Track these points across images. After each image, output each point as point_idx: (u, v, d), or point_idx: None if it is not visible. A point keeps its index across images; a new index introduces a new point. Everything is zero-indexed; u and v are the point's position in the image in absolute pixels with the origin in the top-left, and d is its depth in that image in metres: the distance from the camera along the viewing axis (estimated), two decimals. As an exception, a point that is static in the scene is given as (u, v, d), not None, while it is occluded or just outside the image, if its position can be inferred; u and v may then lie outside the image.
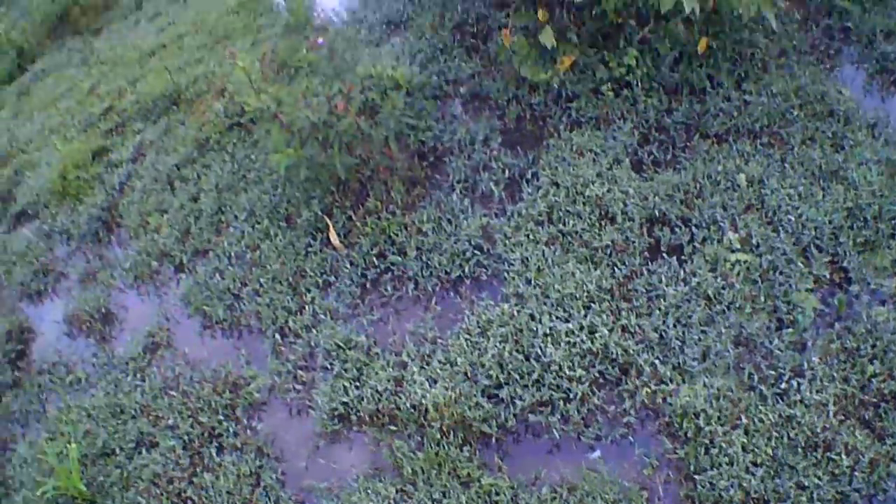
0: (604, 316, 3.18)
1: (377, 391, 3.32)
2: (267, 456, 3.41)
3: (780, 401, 2.91)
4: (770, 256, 3.24)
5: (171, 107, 5.79)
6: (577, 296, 3.25)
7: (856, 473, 2.64)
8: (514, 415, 3.10)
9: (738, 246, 3.27)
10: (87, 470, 3.65)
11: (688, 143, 3.78)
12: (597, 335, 3.12)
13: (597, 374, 3.08)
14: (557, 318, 3.24)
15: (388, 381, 3.33)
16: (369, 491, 3.07)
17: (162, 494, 3.43)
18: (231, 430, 3.54)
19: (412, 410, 3.21)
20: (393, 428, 3.26)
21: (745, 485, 2.69)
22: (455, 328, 3.44)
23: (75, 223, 5.24)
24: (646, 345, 3.09)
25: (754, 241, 3.29)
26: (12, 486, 3.81)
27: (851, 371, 2.94)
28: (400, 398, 3.26)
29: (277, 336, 3.78)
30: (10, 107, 7.77)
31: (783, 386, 2.93)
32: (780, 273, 3.21)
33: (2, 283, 5.20)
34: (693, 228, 3.38)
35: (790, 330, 3.06)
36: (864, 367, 2.92)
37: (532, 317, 3.28)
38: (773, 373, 2.97)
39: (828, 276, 3.20)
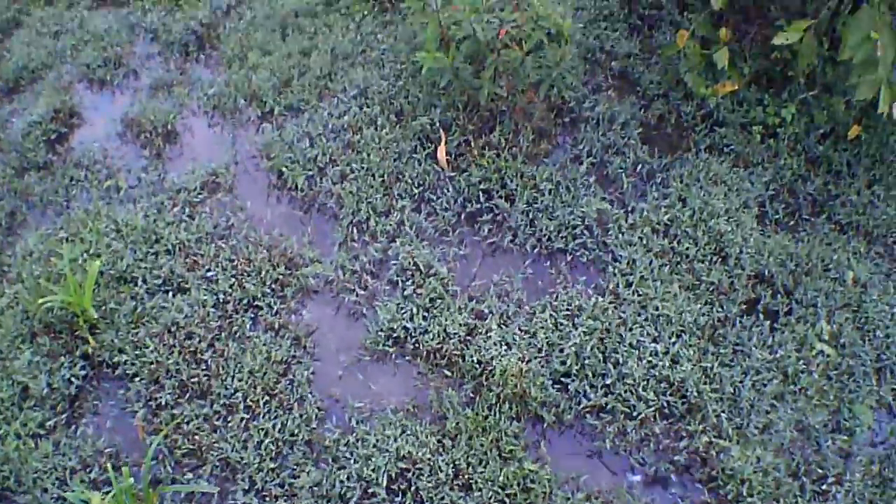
0: (690, 351, 3.57)
1: (446, 331, 3.63)
2: (304, 349, 3.68)
3: (816, 499, 3.33)
4: (851, 361, 3.68)
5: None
6: (673, 320, 3.65)
7: None
8: (575, 410, 3.45)
9: (827, 338, 3.74)
10: (101, 291, 3.78)
11: (811, 219, 4.22)
12: (678, 367, 3.50)
13: (665, 404, 3.45)
14: (648, 334, 3.63)
15: (462, 325, 3.64)
16: (406, 429, 3.37)
17: (175, 346, 3.60)
18: (274, 307, 3.78)
19: (476, 365, 3.53)
20: (448, 374, 3.58)
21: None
22: (543, 300, 3.78)
23: (167, 27, 5.44)
24: (720, 395, 3.47)
25: (842, 341, 3.72)
26: (6, 273, 4.03)
27: (880, 499, 3.35)
28: (468, 348, 3.58)
29: (353, 229, 4.06)
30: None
31: (823, 487, 3.35)
32: (854, 380, 3.64)
33: (66, 57, 5.30)
34: (793, 303, 3.82)
35: (844, 437, 3.48)
36: (890, 500, 3.35)
37: (623, 322, 3.66)
38: (819, 470, 3.38)
39: (891, 401, 3.64)
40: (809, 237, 4.17)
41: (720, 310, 3.83)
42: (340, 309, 3.90)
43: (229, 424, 3.46)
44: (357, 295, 3.90)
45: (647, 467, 3.42)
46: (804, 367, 3.67)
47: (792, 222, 4.29)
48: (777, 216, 4.28)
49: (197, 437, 3.44)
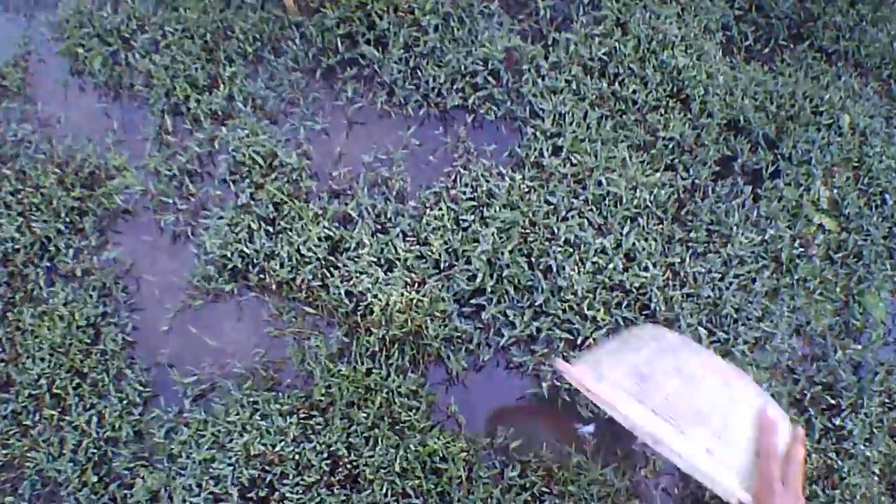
0: (651, 241, 2.54)
1: (299, 252, 2.55)
2: (116, 301, 2.68)
3: (829, 437, 2.54)
4: (857, 237, 2.77)
5: None
6: (624, 199, 2.58)
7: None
8: (495, 345, 2.46)
9: (826, 206, 2.81)
10: None
11: (790, 46, 3.21)
12: (636, 267, 2.49)
13: (620, 321, 2.47)
14: (590, 223, 2.55)
15: (321, 241, 2.56)
16: (257, 407, 2.41)
17: (-34, 326, 2.61)
18: (72, 248, 2.75)
19: (345, 300, 2.48)
20: (312, 312, 2.55)
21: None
22: (436, 186, 2.65)
23: None
24: (694, 303, 2.51)
25: (845, 211, 2.80)
26: None
27: (901, 424, 2.58)
28: (331, 274, 2.52)
29: (168, 117, 2.92)
30: None
31: (836, 422, 2.55)
32: (863, 263, 2.76)
33: None
34: (780, 159, 2.82)
35: (858, 346, 2.67)
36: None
37: (554, 209, 2.57)
38: (828, 398, 2.58)
39: (907, 289, 2.80)
40: (790, 70, 3.10)
41: (686, 176, 2.74)
42: (159, 234, 2.76)
43: (38, 425, 2.55)
44: (178, 210, 2.74)
45: (602, 413, 2.45)
46: (801, 249, 2.69)
47: (766, 50, 3.20)
48: (747, 43, 3.17)
49: (9, 445, 2.57)
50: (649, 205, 2.60)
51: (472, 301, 2.48)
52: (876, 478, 2.55)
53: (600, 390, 1.47)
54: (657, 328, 1.70)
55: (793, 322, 2.62)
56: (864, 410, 2.57)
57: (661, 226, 2.59)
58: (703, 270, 2.56)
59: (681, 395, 1.44)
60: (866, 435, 2.55)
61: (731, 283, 2.56)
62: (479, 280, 2.44)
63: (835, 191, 2.84)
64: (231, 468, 2.33)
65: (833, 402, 2.58)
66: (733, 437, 1.43)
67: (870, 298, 2.74)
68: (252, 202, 2.63)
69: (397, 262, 2.49)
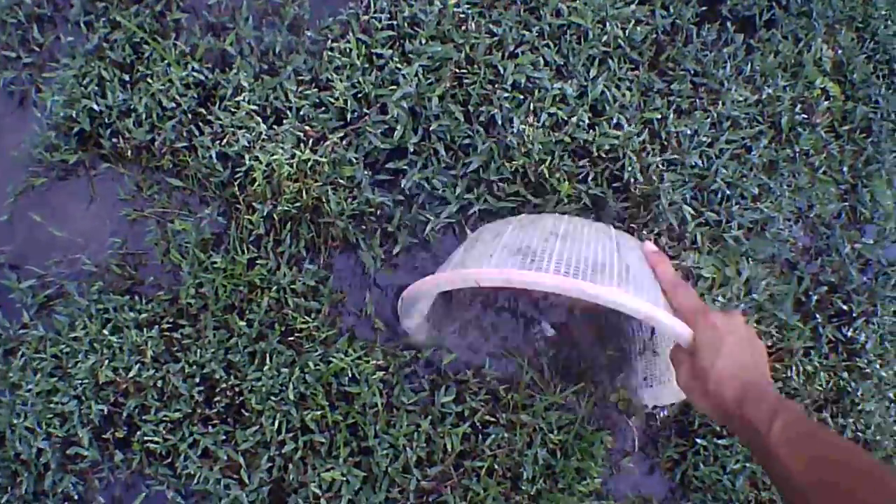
0: (624, 91, 1.96)
1: (161, 104, 1.91)
2: None
3: (839, 352, 2.11)
4: (866, 108, 2.30)
5: None
6: (589, 33, 1.99)
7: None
8: (421, 221, 1.89)
9: (829, 69, 2.32)
10: None
11: None
12: (604, 123, 1.92)
13: (583, 196, 1.91)
14: (545, 62, 1.93)
15: (189, 87, 1.91)
16: (107, 320, 1.83)
17: None
18: None
19: (218, 166, 1.86)
20: (177, 184, 1.93)
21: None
22: (342, 13, 2.00)
23: None
24: (678, 173, 1.98)
25: (852, 76, 2.33)
26: None
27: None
28: (201, 132, 1.89)
29: None
30: None
31: (848, 333, 2.11)
32: (871, 140, 2.31)
33: None
34: (774, 5, 2.28)
35: (869, 241, 2.24)
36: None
37: (498, 43, 1.96)
38: (839, 302, 2.13)
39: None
40: None
41: (665, 14, 2.15)
42: (3, 98, 2.08)
43: None
44: (21, 65, 2.07)
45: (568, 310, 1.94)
46: (804, 116, 2.18)
47: None
48: None
49: None
50: (622, 44, 2.01)
51: (389, 165, 1.89)
52: (891, 404, 2.14)
53: (488, 273, 1.28)
54: (495, 225, 1.55)
55: (795, 203, 2.15)
56: (877, 320, 2.13)
57: (636, 72, 2.01)
58: (689, 132, 2.00)
59: (570, 252, 1.31)
60: (880, 351, 2.11)
61: (722, 151, 2.03)
62: (397, 135, 1.83)
63: (839, 52, 2.33)
64: (77, 402, 1.75)
65: (844, 307, 2.12)
66: (638, 280, 1.31)
67: (878, 184, 2.29)
68: (105, 45, 1.97)
69: (287, 112, 1.85)
